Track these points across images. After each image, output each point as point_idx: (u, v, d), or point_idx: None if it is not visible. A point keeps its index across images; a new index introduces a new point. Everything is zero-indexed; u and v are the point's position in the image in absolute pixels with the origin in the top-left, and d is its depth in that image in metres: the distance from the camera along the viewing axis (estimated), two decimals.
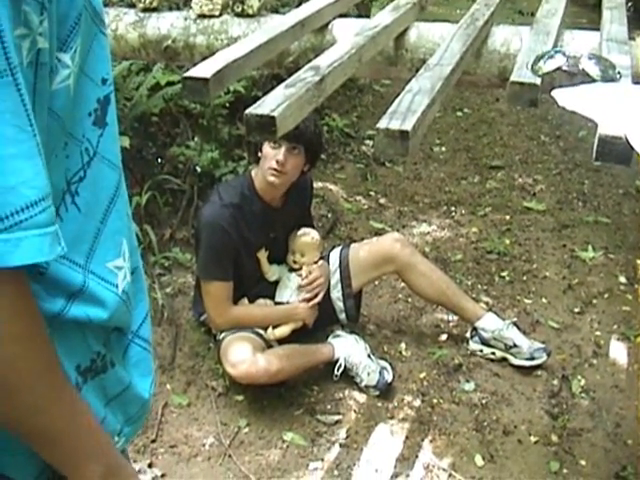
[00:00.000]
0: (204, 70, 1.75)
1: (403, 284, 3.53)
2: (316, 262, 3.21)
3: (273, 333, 3.07)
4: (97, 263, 0.90)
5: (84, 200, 0.88)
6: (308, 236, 3.21)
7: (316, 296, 3.14)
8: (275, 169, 2.90)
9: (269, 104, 1.50)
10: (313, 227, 3.36)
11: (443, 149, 5.56)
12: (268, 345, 3.03)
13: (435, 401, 3.04)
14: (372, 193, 4.79)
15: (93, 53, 0.88)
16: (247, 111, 1.49)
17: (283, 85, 1.62)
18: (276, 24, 2.26)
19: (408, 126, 1.40)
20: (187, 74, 1.74)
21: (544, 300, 3.74)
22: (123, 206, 0.96)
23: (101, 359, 0.96)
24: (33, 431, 0.84)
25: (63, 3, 0.80)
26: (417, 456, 2.77)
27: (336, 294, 3.26)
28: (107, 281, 0.91)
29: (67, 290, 0.86)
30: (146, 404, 1.10)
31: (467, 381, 3.15)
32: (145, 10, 2.66)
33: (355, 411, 2.99)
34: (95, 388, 0.96)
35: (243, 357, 2.87)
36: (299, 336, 3.11)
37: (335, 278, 3.26)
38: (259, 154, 3.00)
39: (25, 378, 0.79)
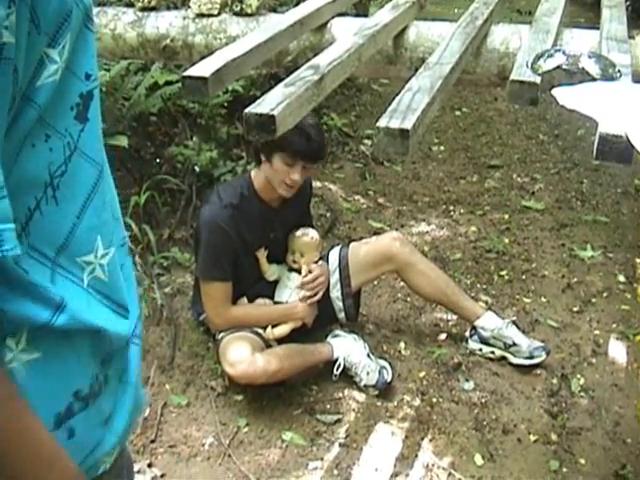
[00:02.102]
0: (203, 69, 1.75)
1: (402, 284, 3.52)
2: (316, 262, 3.20)
3: (272, 332, 3.06)
4: (67, 257, 0.89)
5: (63, 194, 0.87)
6: (307, 236, 3.21)
7: (315, 295, 3.14)
8: (290, 185, 2.93)
9: (269, 103, 1.50)
10: (312, 226, 3.35)
11: (442, 148, 5.56)
12: (267, 345, 3.02)
13: (434, 400, 3.04)
14: (371, 192, 4.79)
15: (79, 49, 0.87)
16: (247, 110, 1.49)
17: (282, 84, 1.62)
18: (275, 23, 2.25)
19: (408, 125, 1.40)
20: (186, 73, 1.74)
21: (543, 299, 3.74)
22: (102, 204, 0.95)
23: (98, 382, 0.96)
24: None
25: (54, 0, 0.80)
26: (417, 455, 2.77)
27: (335, 293, 3.25)
28: (74, 274, 0.90)
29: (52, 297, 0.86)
30: (143, 403, 1.10)
31: (466, 380, 3.15)
32: (144, 9, 2.66)
33: (354, 410, 2.98)
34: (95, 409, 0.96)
35: (242, 357, 2.86)
36: (298, 335, 3.11)
37: (334, 277, 3.25)
38: (261, 157, 2.97)
39: None
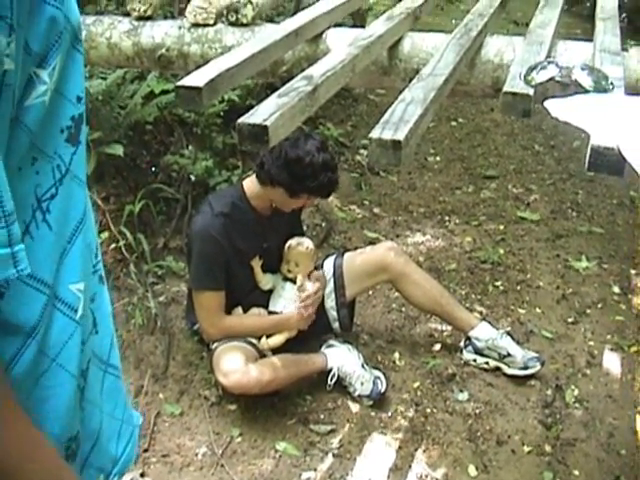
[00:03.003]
0: (197, 79, 1.74)
1: (397, 294, 3.52)
2: (311, 272, 3.20)
3: (267, 342, 3.06)
4: (62, 284, 0.87)
5: (55, 218, 0.85)
6: (302, 246, 3.20)
7: (312, 307, 3.13)
8: (300, 208, 3.15)
9: (262, 113, 1.50)
10: (303, 234, 3.36)
11: (437, 159, 5.57)
12: (261, 355, 3.02)
13: (429, 411, 3.04)
14: (366, 202, 4.79)
15: (69, 71, 0.86)
16: (239, 120, 1.49)
17: (276, 94, 1.62)
18: (270, 33, 2.25)
19: (400, 136, 1.40)
20: (180, 83, 1.74)
21: (538, 310, 3.74)
22: (90, 227, 0.93)
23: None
24: None
25: (43, 22, 0.79)
26: (410, 466, 2.77)
27: (330, 303, 3.25)
28: (68, 305, 0.88)
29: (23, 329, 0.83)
30: (137, 432, 1.09)
31: (461, 391, 3.15)
32: (139, 19, 2.65)
33: (348, 421, 2.98)
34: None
35: (235, 367, 2.86)
36: (292, 345, 3.10)
37: (329, 287, 3.25)
38: (276, 186, 2.94)
39: None
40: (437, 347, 3.42)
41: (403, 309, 3.66)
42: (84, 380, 0.94)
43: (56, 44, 0.81)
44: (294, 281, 3.17)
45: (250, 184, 3.05)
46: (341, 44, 2.16)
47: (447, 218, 4.65)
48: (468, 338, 3.28)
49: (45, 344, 0.85)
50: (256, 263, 3.14)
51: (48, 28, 0.80)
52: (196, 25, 2.58)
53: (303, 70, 1.87)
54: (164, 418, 2.94)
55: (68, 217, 0.88)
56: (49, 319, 0.85)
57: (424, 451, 2.84)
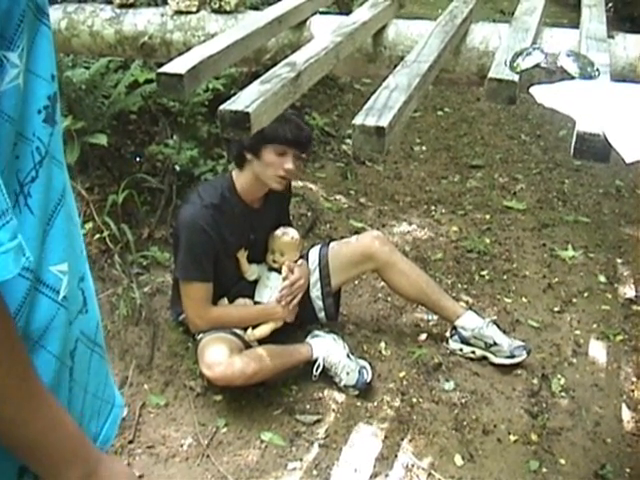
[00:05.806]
0: (178, 66, 1.72)
1: (383, 284, 3.51)
2: (296, 261, 3.19)
3: (253, 334, 3.05)
4: (42, 266, 0.86)
5: (36, 202, 0.84)
6: (287, 235, 3.19)
7: (294, 298, 3.12)
8: (284, 177, 2.91)
9: (244, 100, 1.48)
10: (291, 226, 3.34)
11: (423, 148, 5.55)
12: (247, 346, 3.00)
13: (415, 400, 3.03)
14: (352, 192, 4.78)
15: (38, 48, 0.84)
16: (221, 107, 1.47)
17: (258, 81, 1.60)
18: (253, 20, 2.23)
19: (384, 122, 1.39)
20: (161, 70, 1.71)
21: (524, 299, 3.74)
22: (70, 208, 0.92)
23: None
24: (12, 442, 0.83)
25: (4, 1, 0.76)
26: (396, 456, 2.76)
27: (315, 293, 3.24)
28: (50, 287, 0.87)
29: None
30: (117, 412, 1.08)
31: (447, 380, 3.15)
32: (122, 6, 2.63)
33: (334, 411, 2.97)
34: None
35: (219, 359, 2.84)
36: (278, 336, 3.09)
37: (314, 277, 3.24)
38: (247, 157, 2.95)
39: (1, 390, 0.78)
40: (423, 336, 3.41)
41: (389, 299, 3.66)
42: (72, 360, 0.94)
43: (21, 23, 0.79)
44: (279, 271, 3.16)
45: (238, 175, 3.03)
46: (325, 31, 2.14)
47: (433, 207, 4.64)
48: (454, 327, 3.28)
49: (28, 327, 0.85)
50: (241, 255, 3.12)
51: (9, 6, 0.77)
52: (179, 12, 2.55)
53: (287, 57, 1.85)
54: (149, 409, 2.93)
55: (48, 199, 0.87)
56: (32, 303, 0.85)
57: (410, 441, 2.83)
